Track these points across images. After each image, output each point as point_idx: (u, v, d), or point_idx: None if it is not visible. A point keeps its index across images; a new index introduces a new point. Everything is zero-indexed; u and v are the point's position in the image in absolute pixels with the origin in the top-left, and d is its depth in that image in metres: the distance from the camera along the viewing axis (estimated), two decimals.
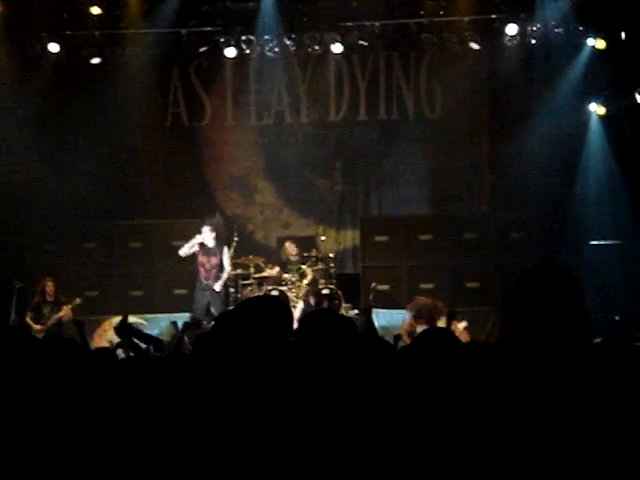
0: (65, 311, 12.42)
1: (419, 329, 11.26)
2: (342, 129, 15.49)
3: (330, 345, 3.05)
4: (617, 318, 9.03)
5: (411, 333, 11.37)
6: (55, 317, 12.40)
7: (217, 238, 13.10)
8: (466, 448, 2.53)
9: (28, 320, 12.22)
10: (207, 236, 12.96)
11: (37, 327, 12.16)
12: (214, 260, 12.97)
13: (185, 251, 13.03)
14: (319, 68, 15.31)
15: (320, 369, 2.98)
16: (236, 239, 13.61)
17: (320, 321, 3.18)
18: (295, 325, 3.18)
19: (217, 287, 12.91)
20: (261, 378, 2.71)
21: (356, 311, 13.24)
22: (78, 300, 12.60)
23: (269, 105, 15.52)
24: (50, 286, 12.53)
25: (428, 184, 15.28)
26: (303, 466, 2.61)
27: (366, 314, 10.07)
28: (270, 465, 2.59)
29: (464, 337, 11.66)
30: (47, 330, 12.07)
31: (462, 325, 12.01)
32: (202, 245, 12.98)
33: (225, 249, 13.07)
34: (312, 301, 13.05)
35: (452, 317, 10.21)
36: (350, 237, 15.19)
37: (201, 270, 13.06)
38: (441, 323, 11.37)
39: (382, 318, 12.52)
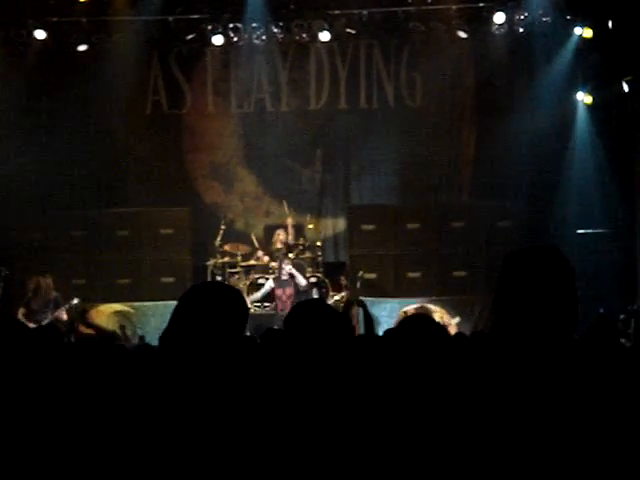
0: (60, 311, 11.88)
1: None
2: (323, 117, 15.38)
3: (321, 337, 3.03)
4: (601, 310, 9.02)
5: None
6: (50, 317, 11.76)
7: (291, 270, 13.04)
8: (457, 439, 2.51)
9: (20, 316, 11.45)
10: (286, 269, 12.92)
11: (31, 325, 10.81)
12: (289, 291, 12.93)
13: (258, 296, 13.12)
14: (300, 56, 15.21)
15: (311, 361, 2.96)
16: (223, 227, 13.64)
17: (311, 312, 3.15)
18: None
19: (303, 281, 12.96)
20: (229, 368, 2.68)
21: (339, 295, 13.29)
22: (75, 301, 12.13)
23: (249, 93, 15.41)
24: (45, 284, 11.95)
25: (409, 173, 15.12)
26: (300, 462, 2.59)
27: (362, 306, 10.05)
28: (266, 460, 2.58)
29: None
30: None
31: (455, 321, 12.02)
32: (275, 279, 13.01)
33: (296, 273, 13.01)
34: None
35: (350, 304, 10.21)
36: (331, 226, 15.14)
37: (278, 303, 13.01)
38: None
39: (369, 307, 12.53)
